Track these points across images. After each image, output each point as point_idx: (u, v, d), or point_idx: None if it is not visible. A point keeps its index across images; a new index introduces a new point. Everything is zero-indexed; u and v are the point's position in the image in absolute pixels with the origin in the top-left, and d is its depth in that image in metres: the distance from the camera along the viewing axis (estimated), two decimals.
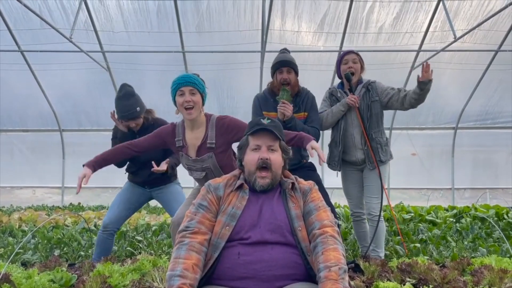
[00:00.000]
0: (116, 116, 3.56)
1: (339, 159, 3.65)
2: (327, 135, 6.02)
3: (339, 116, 3.57)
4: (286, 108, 3.17)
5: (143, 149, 2.84)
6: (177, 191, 3.71)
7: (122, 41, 8.33)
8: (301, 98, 3.41)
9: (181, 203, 3.58)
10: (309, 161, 3.37)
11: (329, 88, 3.82)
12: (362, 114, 3.52)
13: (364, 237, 3.70)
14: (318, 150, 2.45)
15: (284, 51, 3.55)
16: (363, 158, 3.58)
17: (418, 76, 3.30)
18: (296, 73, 3.42)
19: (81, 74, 8.96)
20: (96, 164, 2.75)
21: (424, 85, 3.29)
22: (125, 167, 3.75)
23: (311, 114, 3.41)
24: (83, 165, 2.73)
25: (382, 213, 3.55)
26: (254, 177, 2.02)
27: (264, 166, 2.01)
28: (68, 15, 7.81)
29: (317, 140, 3.39)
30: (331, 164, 3.71)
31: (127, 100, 3.49)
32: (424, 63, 3.30)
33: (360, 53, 3.73)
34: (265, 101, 3.44)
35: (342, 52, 3.68)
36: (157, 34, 8.29)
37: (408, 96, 3.45)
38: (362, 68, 3.64)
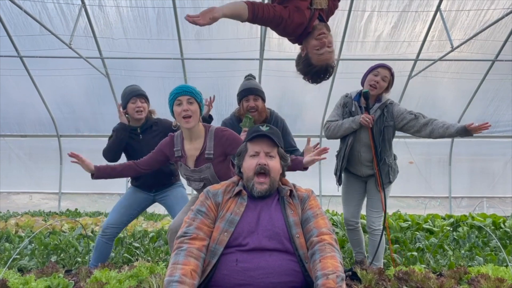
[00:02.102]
0: (121, 103, 3.60)
1: (340, 173, 3.56)
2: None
3: (349, 132, 3.42)
4: None
5: (149, 166, 2.88)
6: (182, 195, 3.66)
7: (121, 48, 8.35)
8: (270, 124, 3.35)
9: None
10: None
11: (346, 95, 3.60)
12: (374, 138, 3.38)
13: (358, 244, 3.66)
14: (314, 161, 2.53)
15: (250, 77, 3.49)
16: (369, 174, 3.50)
17: (471, 124, 3.07)
18: (263, 100, 3.35)
19: (80, 80, 8.97)
20: (102, 168, 2.81)
21: (467, 135, 3.14)
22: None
23: (284, 137, 3.25)
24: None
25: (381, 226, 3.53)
26: (252, 182, 2.03)
27: (262, 172, 2.03)
28: (68, 21, 7.82)
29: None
30: (335, 175, 3.64)
31: (136, 85, 3.72)
32: (488, 123, 3.07)
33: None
34: (233, 128, 3.33)
35: (378, 62, 3.47)
36: (157, 41, 8.31)
37: (435, 130, 3.24)
38: (387, 88, 3.44)
